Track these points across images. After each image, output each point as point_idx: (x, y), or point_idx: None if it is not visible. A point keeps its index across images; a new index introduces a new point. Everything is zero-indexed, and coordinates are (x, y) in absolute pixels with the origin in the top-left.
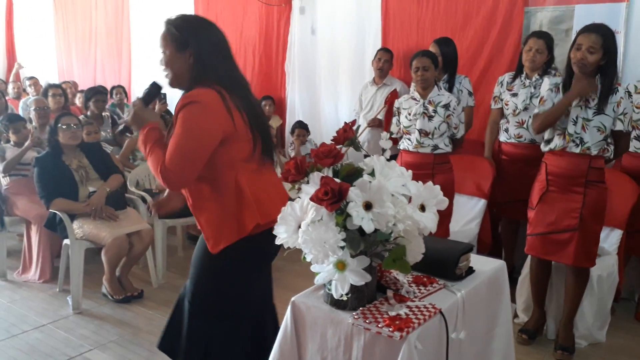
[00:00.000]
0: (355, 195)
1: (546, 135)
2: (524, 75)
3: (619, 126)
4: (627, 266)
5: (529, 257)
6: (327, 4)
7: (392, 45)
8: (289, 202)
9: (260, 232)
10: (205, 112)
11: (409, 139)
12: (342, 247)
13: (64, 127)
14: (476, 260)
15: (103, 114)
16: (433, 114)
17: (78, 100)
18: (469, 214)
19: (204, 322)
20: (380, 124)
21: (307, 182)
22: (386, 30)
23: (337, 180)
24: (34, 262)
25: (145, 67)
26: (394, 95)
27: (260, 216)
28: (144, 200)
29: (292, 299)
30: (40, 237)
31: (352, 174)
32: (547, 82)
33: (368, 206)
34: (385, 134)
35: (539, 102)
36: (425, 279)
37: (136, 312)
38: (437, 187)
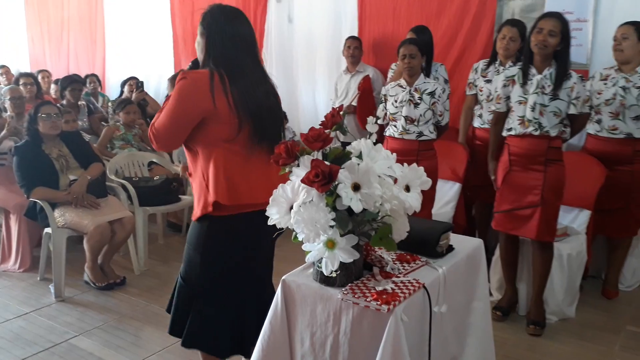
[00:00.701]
0: (344, 177)
1: (507, 124)
2: (497, 62)
3: (573, 110)
4: (593, 245)
5: (499, 235)
6: None
7: (368, 34)
8: (280, 184)
9: (235, 214)
10: (189, 88)
11: (395, 126)
12: (332, 227)
13: (44, 116)
14: (455, 239)
15: (79, 103)
16: (419, 101)
17: (53, 92)
18: (444, 197)
19: (189, 298)
20: (354, 110)
21: (298, 165)
22: (362, 18)
23: (327, 163)
24: (13, 252)
25: (120, 56)
26: (366, 81)
27: (227, 197)
28: (124, 188)
29: (283, 277)
30: (19, 227)
31: (340, 157)
32: (501, 77)
33: (356, 187)
34: (371, 118)
35: (495, 100)
36: (408, 257)
37: (119, 298)
38: (421, 168)
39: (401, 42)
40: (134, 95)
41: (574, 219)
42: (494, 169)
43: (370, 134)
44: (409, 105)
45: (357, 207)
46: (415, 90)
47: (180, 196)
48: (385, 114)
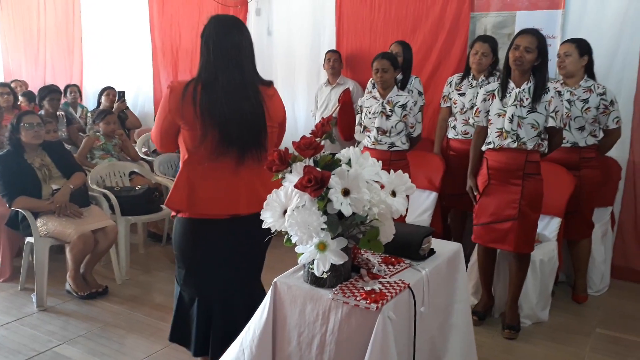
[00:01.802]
0: (335, 182)
1: (487, 139)
2: (471, 77)
3: (552, 123)
4: (563, 251)
5: (477, 245)
6: (283, 6)
7: (346, 47)
8: (274, 190)
9: (195, 217)
10: (168, 98)
11: (369, 136)
12: (323, 230)
13: (26, 125)
14: (436, 243)
15: (57, 113)
16: (390, 113)
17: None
18: (421, 205)
19: (176, 285)
20: (335, 122)
21: (290, 172)
22: (340, 32)
23: (318, 169)
24: None
25: (98, 66)
26: (346, 94)
27: (186, 205)
28: (106, 197)
29: (275, 279)
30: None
31: (330, 164)
32: (482, 92)
33: (346, 192)
34: (358, 128)
35: (474, 113)
36: (393, 259)
37: (102, 307)
38: (406, 175)
39: (375, 56)
40: (115, 105)
41: (545, 227)
42: (474, 185)
43: (358, 142)
44: (381, 117)
45: (347, 211)
46: (388, 102)
47: (161, 206)
48: (361, 124)
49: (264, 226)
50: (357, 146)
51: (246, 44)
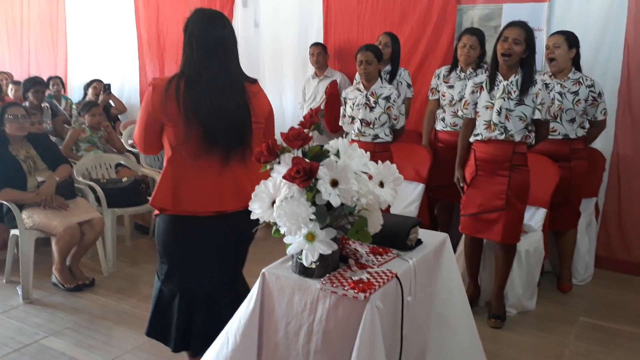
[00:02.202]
0: (323, 173)
1: (475, 130)
2: (459, 69)
3: (538, 115)
4: (549, 242)
5: (464, 235)
6: None
7: (333, 40)
8: (262, 181)
9: (178, 214)
10: (151, 95)
11: (353, 128)
12: (312, 220)
13: (11, 117)
14: (423, 234)
15: (42, 105)
16: (374, 105)
17: (11, 92)
18: (409, 197)
19: (156, 280)
20: (322, 114)
21: (279, 163)
22: (327, 25)
23: (307, 160)
24: None
25: (82, 58)
26: (333, 85)
27: (171, 203)
28: (92, 189)
29: (263, 270)
30: None
31: (318, 155)
32: (470, 84)
33: (335, 183)
34: (345, 119)
35: (463, 105)
36: (381, 250)
37: (89, 299)
38: (394, 165)
39: (359, 48)
40: (100, 97)
41: (531, 217)
42: (462, 177)
43: (347, 133)
44: (365, 109)
45: (335, 202)
46: (372, 94)
47: (148, 197)
48: (345, 116)
49: (253, 217)
50: (345, 137)
51: (231, 40)
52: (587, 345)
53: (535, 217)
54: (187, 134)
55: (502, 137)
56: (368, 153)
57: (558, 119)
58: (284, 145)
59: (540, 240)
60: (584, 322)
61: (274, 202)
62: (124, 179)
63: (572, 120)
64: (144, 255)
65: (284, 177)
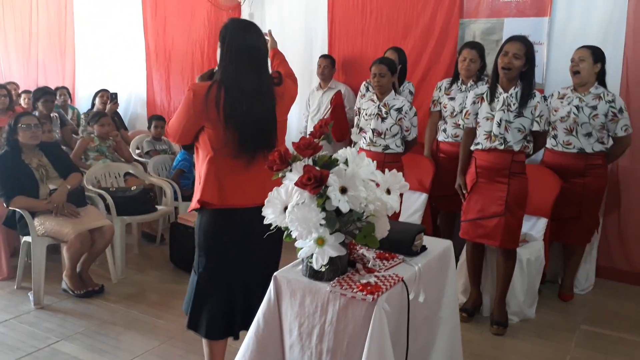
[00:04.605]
0: (333, 180)
1: (476, 139)
2: (460, 82)
3: (537, 127)
4: (550, 252)
5: (465, 244)
6: (276, 11)
7: (338, 52)
8: (275, 187)
9: (222, 208)
10: (189, 99)
11: (364, 138)
12: (322, 225)
13: (24, 126)
14: (427, 240)
15: (52, 114)
16: (386, 115)
17: (23, 102)
18: (412, 206)
19: (193, 274)
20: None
21: (290, 171)
22: (332, 37)
23: (317, 168)
24: None
25: (90, 68)
26: (338, 96)
27: (217, 198)
28: (102, 198)
29: (275, 274)
30: None
31: (328, 164)
32: (471, 95)
33: (344, 190)
34: (355, 129)
35: (464, 115)
36: (387, 255)
37: (99, 305)
38: (400, 173)
39: (373, 61)
40: (108, 106)
41: (532, 227)
42: (463, 183)
43: (355, 143)
44: (377, 119)
45: (344, 208)
46: (384, 105)
47: (156, 206)
48: (359, 126)
49: (266, 222)
50: (353, 147)
51: (264, 48)
52: (587, 352)
53: (536, 227)
54: (226, 136)
55: (502, 147)
56: (375, 162)
57: (573, 133)
58: (295, 154)
59: (541, 249)
60: (584, 330)
61: (286, 208)
62: (133, 188)
63: (589, 135)
64: (152, 263)
65: (295, 184)
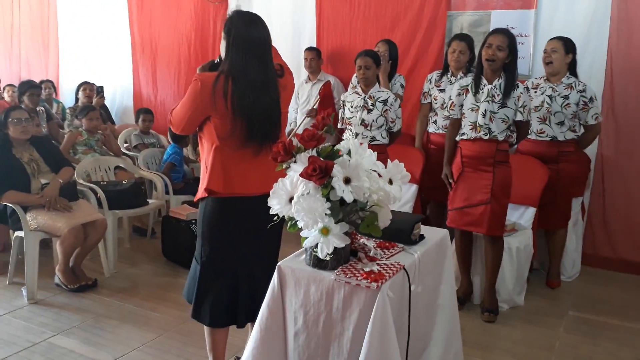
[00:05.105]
0: (337, 171)
1: (461, 130)
2: (449, 73)
3: (520, 117)
4: (537, 240)
5: (455, 234)
6: (263, 3)
7: (326, 44)
8: (280, 178)
9: (228, 197)
10: (196, 89)
11: (350, 130)
12: (327, 215)
13: (14, 121)
14: (425, 230)
15: (38, 108)
16: (372, 107)
17: (7, 95)
18: (403, 198)
19: (195, 264)
20: (315, 115)
21: (295, 162)
22: (320, 30)
23: (321, 159)
24: None
25: (75, 62)
26: (327, 87)
27: (222, 186)
28: (94, 192)
29: (279, 263)
30: None
31: (331, 155)
32: (456, 87)
33: (347, 180)
34: (357, 120)
35: (449, 107)
36: (387, 244)
37: (93, 299)
38: (402, 164)
39: (358, 54)
40: (94, 100)
41: (521, 216)
42: (450, 173)
43: (357, 134)
44: (362, 111)
45: (348, 198)
46: (370, 97)
47: (147, 200)
48: (343, 118)
49: (271, 212)
50: (355, 138)
51: (269, 39)
52: (576, 337)
53: (525, 216)
54: (233, 127)
55: (487, 137)
56: (375, 153)
57: (547, 122)
58: (299, 145)
59: (530, 238)
60: (572, 315)
61: (291, 199)
62: (124, 181)
63: (561, 124)
64: (143, 257)
65: (300, 175)
